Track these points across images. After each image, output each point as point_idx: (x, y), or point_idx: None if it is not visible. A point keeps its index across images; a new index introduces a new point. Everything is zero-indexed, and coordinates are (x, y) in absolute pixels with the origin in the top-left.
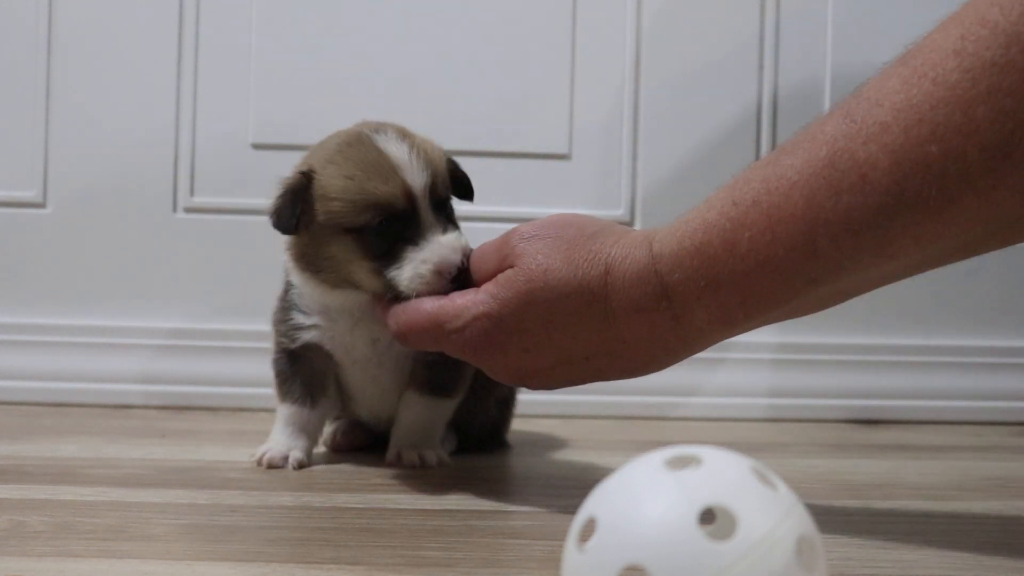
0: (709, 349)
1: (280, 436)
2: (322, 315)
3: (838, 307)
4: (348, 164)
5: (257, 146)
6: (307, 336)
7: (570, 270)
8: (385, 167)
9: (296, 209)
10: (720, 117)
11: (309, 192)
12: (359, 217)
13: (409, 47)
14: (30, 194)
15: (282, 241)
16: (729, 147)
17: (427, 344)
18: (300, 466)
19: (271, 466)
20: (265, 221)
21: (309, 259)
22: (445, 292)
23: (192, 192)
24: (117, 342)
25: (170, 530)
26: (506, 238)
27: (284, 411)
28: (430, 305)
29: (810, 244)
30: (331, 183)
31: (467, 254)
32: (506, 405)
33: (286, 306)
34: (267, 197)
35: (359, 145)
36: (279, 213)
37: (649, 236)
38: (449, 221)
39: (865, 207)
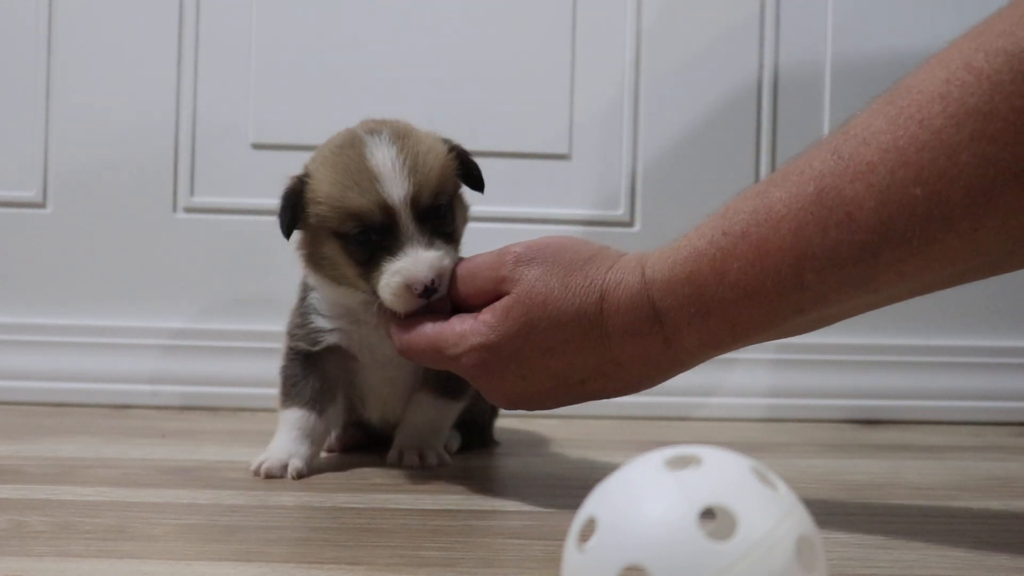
0: None
1: (282, 442)
2: (345, 318)
3: None
4: (334, 170)
5: (257, 146)
6: (330, 339)
7: (568, 299)
8: (365, 177)
9: (288, 215)
10: (721, 117)
11: (303, 196)
12: (341, 225)
13: (409, 47)
14: (30, 194)
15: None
16: (729, 147)
17: (427, 363)
18: (299, 476)
19: (269, 476)
20: (265, 221)
21: (311, 256)
22: (417, 306)
23: (192, 192)
24: (117, 342)
25: (170, 530)
26: (500, 259)
27: (289, 415)
28: (430, 329)
29: (797, 277)
30: (319, 188)
31: (442, 273)
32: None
33: (304, 311)
34: (267, 197)
35: (349, 149)
36: (279, 218)
37: (641, 261)
38: (436, 232)
39: (851, 244)
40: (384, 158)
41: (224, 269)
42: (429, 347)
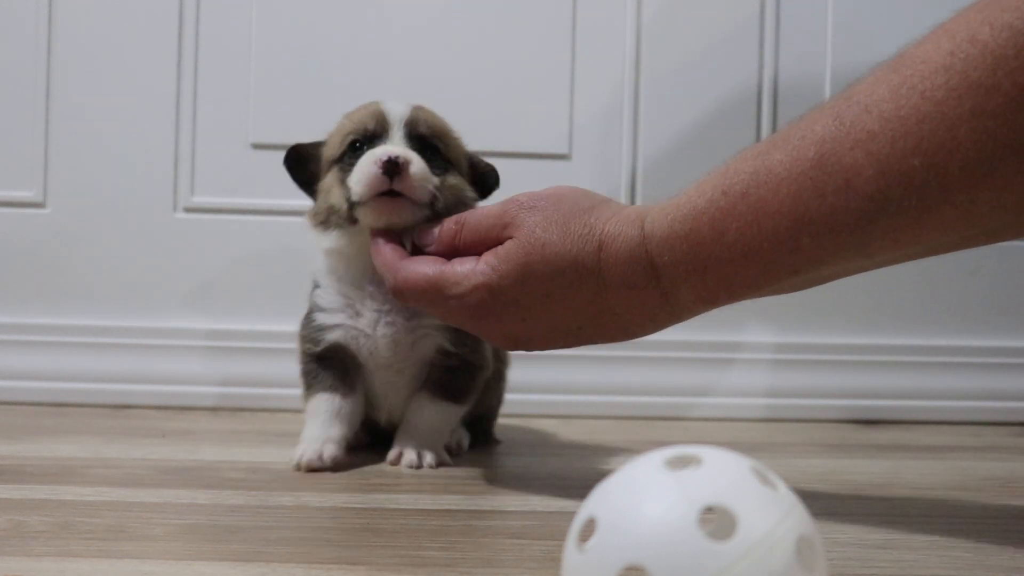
0: (710, 350)
1: (313, 429)
2: (345, 311)
3: (838, 307)
4: (347, 118)
5: (257, 146)
6: (332, 336)
7: (565, 245)
8: (376, 107)
9: (293, 160)
10: (720, 117)
11: (319, 150)
12: (340, 146)
13: (409, 47)
14: (30, 194)
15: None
16: (730, 149)
17: (423, 304)
18: (334, 462)
19: (310, 470)
20: (265, 221)
21: (315, 208)
22: (381, 187)
23: (192, 192)
24: (117, 342)
25: (170, 530)
26: (505, 207)
27: (314, 402)
28: (431, 268)
29: (794, 239)
30: (334, 129)
31: (407, 160)
32: (500, 402)
33: (309, 311)
34: (267, 197)
35: (369, 103)
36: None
37: (641, 215)
38: (418, 152)
39: (848, 210)
40: (399, 103)
41: (224, 269)
42: (429, 286)
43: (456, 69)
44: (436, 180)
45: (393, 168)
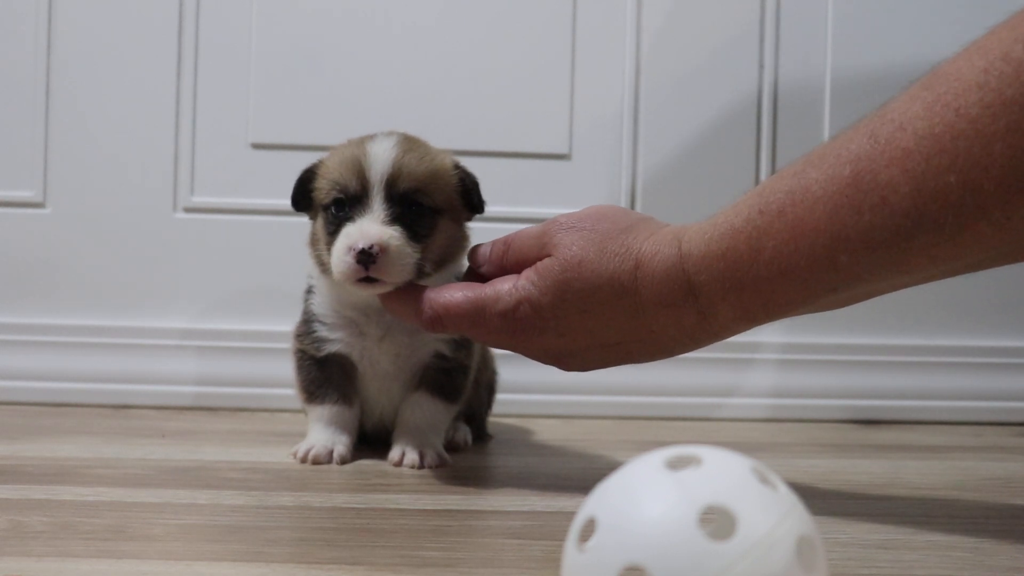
0: (710, 351)
1: (322, 433)
2: (347, 329)
3: None
4: (339, 154)
5: (257, 146)
6: (332, 348)
7: (602, 263)
8: (358, 158)
9: (297, 189)
10: (721, 116)
11: (314, 176)
12: (327, 196)
13: (409, 48)
14: (30, 194)
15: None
16: (730, 147)
17: (463, 326)
18: (343, 462)
19: (316, 462)
20: (264, 220)
21: (312, 239)
22: (355, 275)
23: (192, 192)
24: (117, 342)
25: (170, 530)
26: (547, 226)
27: (323, 412)
28: (468, 291)
29: (830, 257)
30: (323, 168)
31: (383, 247)
32: (491, 398)
33: (307, 319)
34: (267, 197)
35: (357, 142)
36: (292, 192)
37: (679, 234)
38: (403, 223)
39: (885, 227)
40: (381, 148)
41: (224, 269)
42: (472, 306)
43: (456, 69)
44: (416, 253)
45: (367, 259)
